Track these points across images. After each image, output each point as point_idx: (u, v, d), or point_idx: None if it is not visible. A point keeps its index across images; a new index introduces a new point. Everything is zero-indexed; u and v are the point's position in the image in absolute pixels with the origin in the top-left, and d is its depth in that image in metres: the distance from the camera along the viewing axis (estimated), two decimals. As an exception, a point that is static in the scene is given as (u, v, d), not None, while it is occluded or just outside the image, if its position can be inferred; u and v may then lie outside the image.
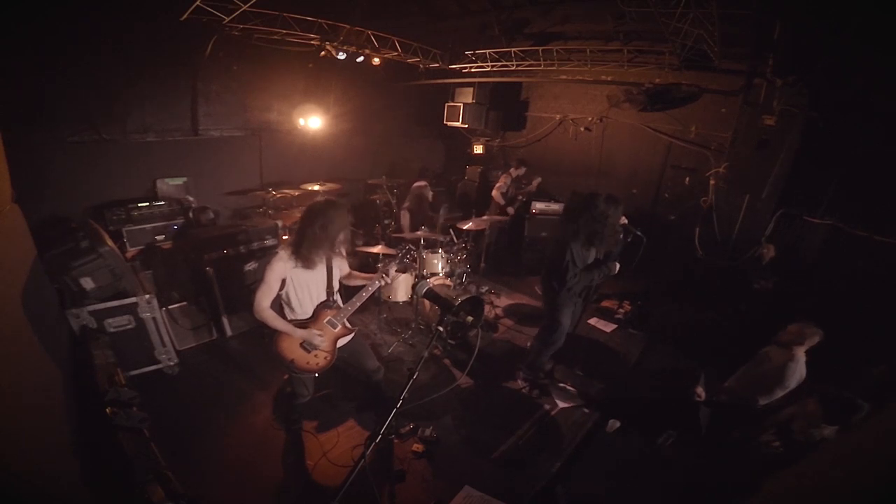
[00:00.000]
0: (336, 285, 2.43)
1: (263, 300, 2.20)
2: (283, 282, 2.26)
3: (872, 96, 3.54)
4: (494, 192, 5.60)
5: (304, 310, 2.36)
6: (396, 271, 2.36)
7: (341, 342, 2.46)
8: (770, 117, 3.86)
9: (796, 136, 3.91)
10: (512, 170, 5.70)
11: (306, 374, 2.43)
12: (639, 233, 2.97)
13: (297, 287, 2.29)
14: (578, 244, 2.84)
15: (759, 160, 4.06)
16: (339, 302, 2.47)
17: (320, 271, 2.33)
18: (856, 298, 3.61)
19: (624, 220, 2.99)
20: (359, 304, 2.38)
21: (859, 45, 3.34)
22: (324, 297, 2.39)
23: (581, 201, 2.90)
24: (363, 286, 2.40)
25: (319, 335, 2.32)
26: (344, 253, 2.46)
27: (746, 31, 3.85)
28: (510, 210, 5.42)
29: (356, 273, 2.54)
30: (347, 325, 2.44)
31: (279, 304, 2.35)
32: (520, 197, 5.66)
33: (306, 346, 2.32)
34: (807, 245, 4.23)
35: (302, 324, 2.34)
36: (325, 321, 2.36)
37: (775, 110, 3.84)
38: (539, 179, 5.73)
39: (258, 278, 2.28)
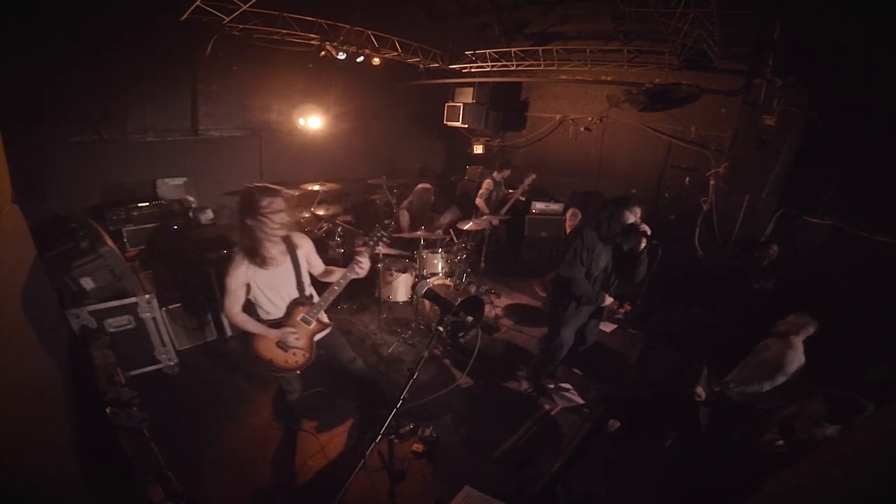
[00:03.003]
0: (307, 279, 2.35)
1: (232, 308, 2.16)
2: (248, 286, 2.18)
3: (872, 96, 3.54)
4: (478, 201, 5.28)
5: (277, 309, 2.29)
6: (369, 259, 2.22)
7: (318, 337, 2.41)
8: (770, 117, 3.86)
9: (796, 136, 3.91)
10: (495, 174, 5.38)
11: (286, 373, 2.40)
12: (655, 242, 2.76)
13: (265, 288, 2.21)
14: (590, 230, 2.74)
15: (759, 160, 4.05)
16: (315, 297, 2.38)
17: (286, 268, 2.23)
18: (856, 298, 3.61)
19: (645, 228, 2.68)
20: (332, 298, 2.28)
21: (859, 45, 3.34)
22: (295, 295, 2.30)
23: (605, 202, 2.83)
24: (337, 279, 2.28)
25: (293, 333, 2.26)
26: (307, 247, 2.33)
27: (746, 31, 3.84)
28: (494, 220, 4.79)
29: (331, 268, 2.42)
30: (323, 320, 2.39)
31: (252, 308, 2.30)
32: (510, 200, 5.20)
33: (282, 345, 2.29)
34: (807, 245, 4.23)
35: (276, 323, 2.28)
36: (298, 318, 2.29)
37: (775, 110, 3.84)
38: (533, 177, 5.22)
39: (221, 287, 2.19)
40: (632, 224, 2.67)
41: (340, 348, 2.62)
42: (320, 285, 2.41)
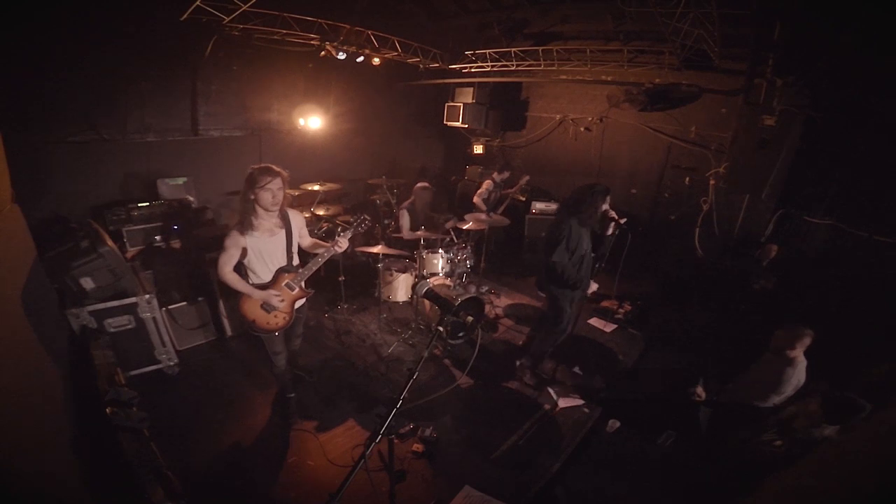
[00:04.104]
0: (296, 250, 2.59)
1: (225, 266, 2.36)
2: (245, 250, 2.39)
3: (872, 96, 3.54)
4: (476, 199, 5.36)
5: (267, 273, 2.50)
6: (350, 239, 2.55)
7: (299, 304, 2.64)
8: (770, 117, 3.86)
9: (796, 136, 3.91)
10: (495, 174, 5.45)
11: (266, 333, 2.57)
12: (623, 223, 3.07)
13: (258, 254, 2.43)
14: (576, 222, 2.98)
15: (759, 160, 4.05)
16: (299, 267, 2.60)
17: (279, 237, 2.47)
18: (856, 298, 3.60)
19: (612, 214, 3.05)
20: (315, 268, 2.52)
21: (859, 45, 3.34)
22: (284, 262, 2.53)
23: (581, 192, 3.03)
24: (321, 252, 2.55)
25: (277, 296, 2.47)
26: (300, 222, 2.61)
27: (746, 31, 3.84)
28: (493, 216, 4.94)
29: (317, 241, 2.72)
30: (304, 287, 2.60)
31: (243, 270, 2.48)
32: (507, 200, 5.46)
33: (266, 307, 2.48)
34: (807, 245, 4.23)
35: (263, 287, 2.48)
36: (283, 284, 2.51)
37: (775, 110, 3.84)
38: (527, 177, 5.47)
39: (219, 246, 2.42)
40: (604, 212, 3.03)
41: (299, 321, 2.84)
42: (305, 257, 2.66)
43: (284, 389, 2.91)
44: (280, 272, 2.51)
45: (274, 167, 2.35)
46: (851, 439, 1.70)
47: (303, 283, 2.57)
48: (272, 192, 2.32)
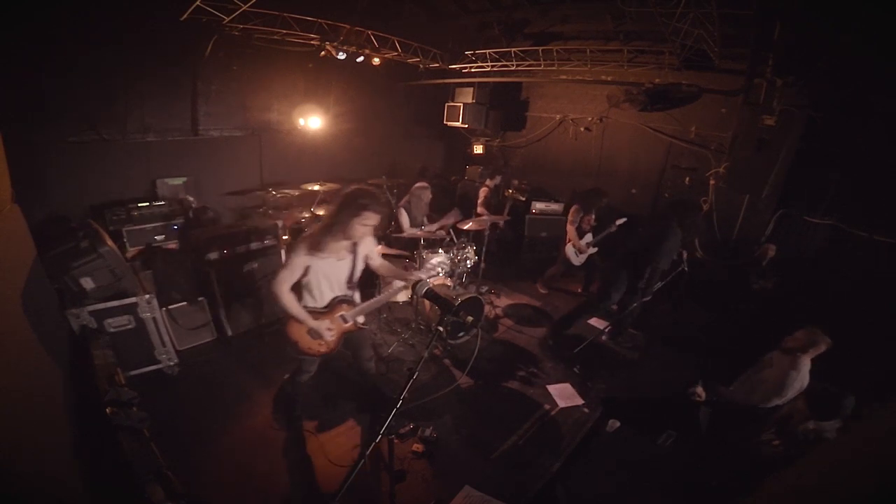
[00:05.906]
0: (357, 279, 2.46)
1: (284, 283, 2.21)
2: (308, 269, 2.26)
3: (872, 96, 3.54)
4: (480, 209, 5.49)
5: (322, 299, 2.38)
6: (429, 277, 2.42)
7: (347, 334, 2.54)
8: (770, 117, 3.86)
9: (796, 136, 3.91)
10: (488, 181, 5.61)
11: (306, 357, 2.49)
12: (686, 268, 3.65)
13: (320, 276, 2.31)
14: (681, 232, 3.42)
15: (759, 160, 4.05)
16: (357, 297, 2.51)
17: (345, 262, 2.35)
18: (856, 298, 3.60)
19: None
20: (376, 306, 2.43)
21: (859, 45, 3.35)
22: (344, 290, 2.42)
23: (691, 208, 3.57)
24: (387, 287, 2.43)
25: (329, 329, 2.37)
26: (370, 245, 2.46)
27: (746, 31, 3.85)
28: (500, 222, 5.08)
29: (392, 267, 2.59)
30: (359, 322, 2.50)
31: (299, 289, 2.37)
32: (508, 203, 5.58)
33: (314, 334, 2.38)
34: (807, 245, 4.23)
35: (316, 313, 2.37)
36: (337, 315, 2.41)
37: (775, 110, 3.84)
38: (515, 182, 5.74)
39: (282, 263, 2.28)
40: None
41: (363, 345, 2.74)
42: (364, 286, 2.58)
43: (297, 399, 2.85)
44: (337, 301, 2.39)
45: (383, 201, 2.22)
46: (851, 439, 1.70)
47: (358, 319, 2.48)
48: (371, 227, 2.21)
